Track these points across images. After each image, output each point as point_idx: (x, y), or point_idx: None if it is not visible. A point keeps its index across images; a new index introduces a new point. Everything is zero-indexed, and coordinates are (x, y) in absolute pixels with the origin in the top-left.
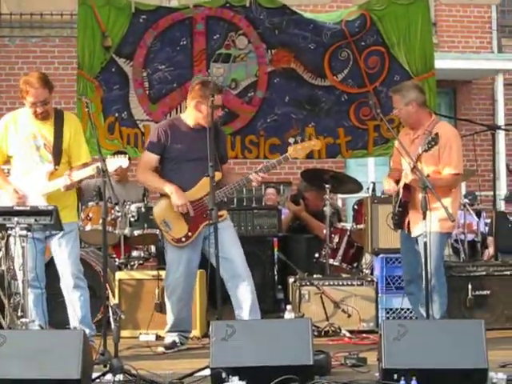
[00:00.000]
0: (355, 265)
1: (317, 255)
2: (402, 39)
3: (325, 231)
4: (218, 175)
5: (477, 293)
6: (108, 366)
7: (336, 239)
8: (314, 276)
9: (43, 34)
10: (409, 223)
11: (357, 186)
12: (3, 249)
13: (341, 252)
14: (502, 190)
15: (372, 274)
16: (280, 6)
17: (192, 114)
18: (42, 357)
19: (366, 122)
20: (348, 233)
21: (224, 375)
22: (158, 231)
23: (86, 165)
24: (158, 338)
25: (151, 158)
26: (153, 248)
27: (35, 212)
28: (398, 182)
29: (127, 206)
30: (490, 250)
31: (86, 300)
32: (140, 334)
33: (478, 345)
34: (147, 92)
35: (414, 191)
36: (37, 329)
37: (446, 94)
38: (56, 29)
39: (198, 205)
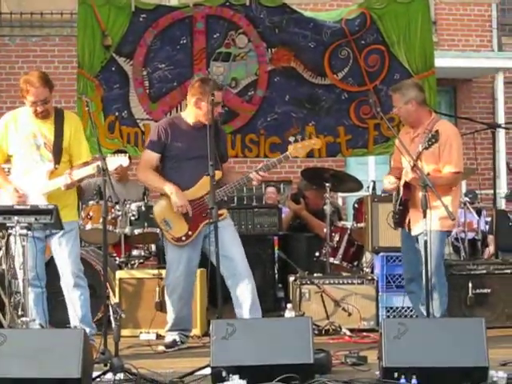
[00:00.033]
0: (356, 263)
1: (317, 254)
2: (402, 38)
3: (325, 230)
4: (218, 174)
5: (477, 291)
6: (108, 364)
7: (336, 238)
8: (315, 275)
9: (43, 33)
10: (409, 222)
11: (357, 185)
12: (3, 248)
13: (341, 251)
14: (503, 189)
15: (372, 272)
16: (280, 4)
17: (192, 112)
18: (43, 356)
19: (367, 120)
20: (348, 231)
21: (224, 374)
22: (158, 230)
23: (86, 163)
24: (159, 336)
25: (152, 157)
26: (153, 247)
27: (35, 211)
28: (398, 180)
29: (127, 205)
30: (491, 249)
31: (86, 299)
32: (140, 332)
33: (478, 343)
34: (147, 91)
35: (415, 190)
36: (37, 328)
37: (447, 92)
38: (56, 28)
39: (199, 204)
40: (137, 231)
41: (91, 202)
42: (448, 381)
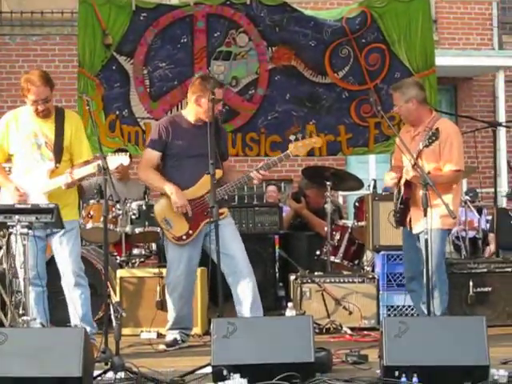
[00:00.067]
0: (356, 262)
1: (318, 252)
2: (402, 36)
3: (326, 228)
4: (218, 173)
5: (478, 290)
6: (109, 363)
7: (337, 236)
8: (315, 273)
9: (44, 32)
10: (410, 220)
11: (358, 184)
12: (4, 247)
13: (342, 249)
14: (503, 187)
15: (373, 271)
16: (280, 3)
17: (193, 110)
18: (44, 355)
19: (367, 119)
20: (349, 230)
21: (225, 373)
22: (158, 229)
23: (87, 162)
24: (160, 335)
25: (153, 156)
26: (154, 246)
27: (36, 210)
28: (399, 179)
29: (128, 204)
30: (492, 247)
31: (86, 298)
32: (141, 331)
33: (479, 342)
34: (148, 90)
35: (415, 188)
36: (38, 327)
37: (447, 91)
38: (57, 27)
39: (199, 203)
40: (137, 230)
41: (92, 201)
42: (449, 379)
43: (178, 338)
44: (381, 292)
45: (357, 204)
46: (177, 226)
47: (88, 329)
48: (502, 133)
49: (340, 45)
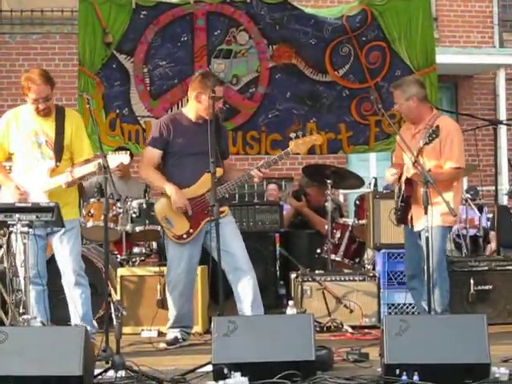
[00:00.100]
0: (357, 260)
1: (319, 251)
2: (403, 34)
3: (326, 227)
4: (219, 171)
5: (479, 288)
6: (110, 362)
7: (338, 235)
8: (316, 272)
9: (44, 31)
10: (411, 218)
11: (358, 182)
12: (5, 246)
13: (343, 247)
14: (504, 185)
15: (374, 269)
16: (281, 1)
17: (193, 107)
18: (44, 353)
19: (368, 117)
20: (350, 228)
21: (226, 371)
22: (159, 227)
23: (88, 161)
24: (160, 334)
25: (154, 154)
26: (154, 244)
27: (37, 209)
28: (400, 176)
29: (129, 203)
30: (492, 245)
31: (87, 297)
32: (142, 330)
33: (480, 340)
34: (148, 88)
35: (416, 186)
36: (38, 325)
37: (448, 88)
38: (57, 25)
39: (200, 201)
40: (138, 229)
41: (92, 200)
42: (450, 377)
43: (179, 336)
44: (381, 290)
45: (357, 202)
46: (177, 225)
47: (88, 328)
48: (502, 131)
49: (340, 43)
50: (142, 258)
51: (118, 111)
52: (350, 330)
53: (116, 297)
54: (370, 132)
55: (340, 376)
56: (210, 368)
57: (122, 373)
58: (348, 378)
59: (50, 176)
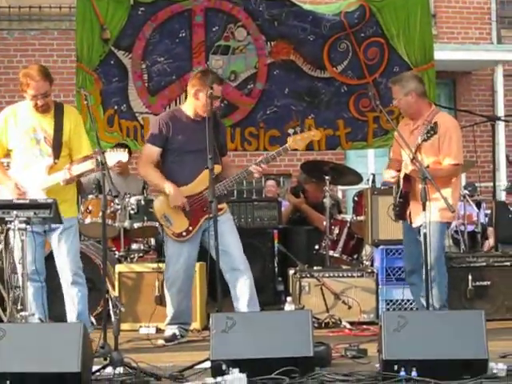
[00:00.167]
0: (355, 256)
1: (317, 247)
2: (401, 30)
3: (325, 223)
4: (217, 168)
5: (477, 284)
6: (108, 358)
7: (336, 231)
8: (314, 268)
9: (42, 27)
10: (410, 214)
11: (357, 178)
12: (3, 242)
13: (341, 244)
14: (502, 181)
15: (372, 265)
16: None
17: (191, 104)
18: (42, 350)
19: (366, 113)
20: (348, 224)
21: (224, 367)
22: (157, 224)
23: (87, 158)
24: (158, 330)
25: (152, 151)
26: (152, 241)
27: (34, 205)
28: (398, 172)
29: (127, 199)
30: (490, 241)
31: (83, 296)
32: (140, 326)
33: (478, 335)
34: (146, 84)
35: (415, 182)
36: (36, 322)
37: (446, 85)
38: (55, 22)
39: (198, 199)
40: (136, 225)
41: (90, 196)
42: (448, 373)
43: (177, 332)
44: (380, 286)
45: (356, 198)
46: (176, 223)
47: None
48: (500, 127)
49: (339, 39)
50: (140, 254)
51: (116, 107)
52: (348, 326)
53: (114, 293)
54: (368, 128)
55: (338, 372)
56: (208, 364)
57: (120, 369)
58: (346, 374)
59: (48, 173)
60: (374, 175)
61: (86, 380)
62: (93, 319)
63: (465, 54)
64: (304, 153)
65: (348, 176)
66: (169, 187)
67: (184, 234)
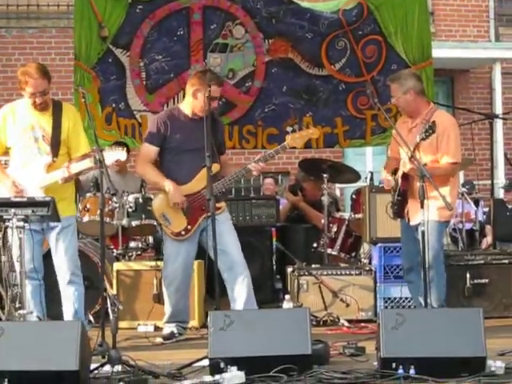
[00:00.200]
0: (353, 254)
1: (315, 245)
2: (399, 28)
3: (323, 221)
4: (216, 167)
5: (475, 281)
6: (106, 357)
7: (334, 229)
8: (313, 266)
9: (40, 25)
10: (408, 212)
11: (355, 176)
12: (0, 240)
13: (339, 241)
14: (500, 179)
15: (370, 263)
16: None
17: (189, 103)
18: (40, 348)
19: (364, 111)
20: (346, 222)
21: (222, 365)
22: (155, 222)
23: (85, 156)
24: (157, 328)
25: (150, 150)
26: (150, 239)
27: (32, 203)
28: (396, 170)
29: (125, 197)
30: (488, 239)
31: (80, 294)
32: (138, 324)
33: (476, 333)
34: (144, 82)
35: (413, 180)
36: (35, 320)
37: (444, 83)
38: (53, 20)
39: (197, 198)
40: (134, 223)
41: (88, 194)
42: (446, 371)
43: (175, 331)
44: (378, 284)
45: (354, 196)
46: (175, 222)
47: None
48: (498, 125)
49: (336, 37)
50: (139, 252)
51: (114, 105)
52: (346, 323)
53: (112, 291)
54: (366, 126)
55: (336, 370)
56: (206, 362)
57: (118, 367)
58: (344, 372)
59: (46, 172)
60: (372, 173)
61: (84, 378)
62: (91, 317)
63: (463, 52)
64: (302, 151)
65: (346, 174)
66: (168, 185)
67: (183, 233)
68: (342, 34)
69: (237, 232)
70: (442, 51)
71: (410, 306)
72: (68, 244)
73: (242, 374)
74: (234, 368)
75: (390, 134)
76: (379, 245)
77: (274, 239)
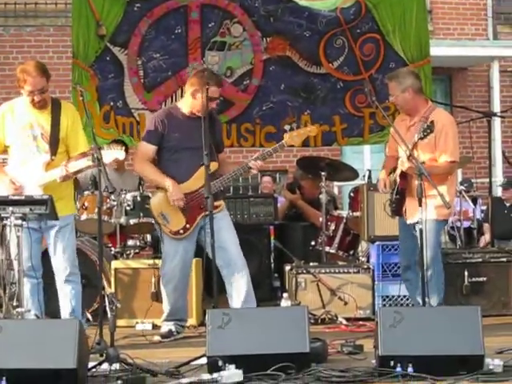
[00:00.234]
0: (351, 252)
1: (313, 243)
2: (397, 26)
3: (321, 219)
4: (214, 165)
5: (473, 280)
6: (104, 355)
7: (332, 227)
8: (311, 264)
9: (38, 24)
10: (406, 210)
11: (353, 174)
12: None
13: (337, 240)
14: (498, 177)
15: (368, 261)
16: None
17: (188, 102)
18: (38, 346)
19: (362, 109)
20: (344, 220)
21: (220, 363)
22: (153, 220)
23: (84, 154)
24: (155, 326)
25: (148, 149)
26: (148, 237)
27: (30, 201)
28: (394, 169)
29: (123, 195)
30: (486, 237)
31: (77, 293)
32: (136, 323)
33: (474, 331)
34: (142, 80)
35: (411, 179)
36: (32, 318)
37: (442, 81)
38: (50, 18)
39: (195, 196)
40: (132, 221)
41: (86, 193)
42: (444, 369)
43: (173, 329)
44: (376, 282)
45: (352, 194)
46: (174, 221)
47: None
48: (496, 123)
49: (334, 35)
50: (137, 250)
51: (112, 104)
52: (344, 322)
53: (110, 289)
54: (364, 124)
55: (334, 368)
56: (204, 360)
57: (116, 365)
58: (342, 370)
59: (45, 170)
60: (369, 171)
61: (82, 376)
62: (89, 315)
63: (461, 50)
64: (300, 149)
65: (344, 172)
66: (168, 183)
67: (181, 231)
68: (340, 33)
69: (235, 230)
70: (440, 49)
71: (408, 304)
72: (66, 242)
73: (239, 372)
74: (232, 366)
75: (388, 132)
76: (377, 243)
77: (272, 237)
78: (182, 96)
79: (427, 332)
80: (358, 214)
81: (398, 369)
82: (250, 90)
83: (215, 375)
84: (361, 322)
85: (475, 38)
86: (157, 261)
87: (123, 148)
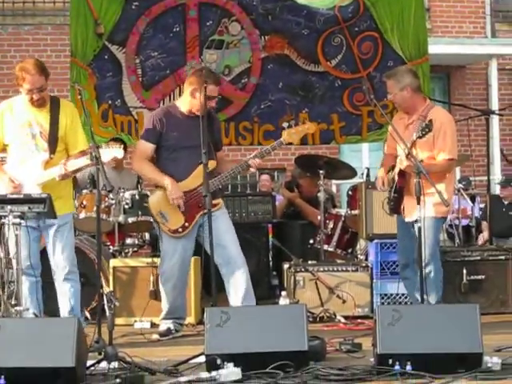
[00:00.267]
0: (350, 250)
1: (311, 241)
2: (395, 24)
3: (319, 217)
4: (212, 164)
5: (471, 277)
6: (102, 353)
7: (330, 225)
8: (309, 262)
9: (36, 22)
10: (404, 208)
11: (351, 172)
12: None
13: (335, 238)
14: (496, 175)
15: (367, 259)
16: None
17: (187, 101)
18: (36, 345)
19: (360, 107)
20: (342, 218)
21: (219, 362)
22: (151, 218)
23: (83, 152)
24: (153, 325)
25: (147, 148)
26: (147, 235)
27: (28, 200)
28: (393, 168)
29: (121, 194)
30: (485, 235)
31: (76, 291)
32: (135, 321)
33: (472, 329)
34: (140, 79)
35: (409, 177)
36: (31, 317)
37: (440, 79)
38: (49, 16)
39: (194, 195)
40: (131, 220)
41: (84, 191)
42: (442, 367)
43: (172, 327)
44: (374, 280)
45: (350, 192)
46: (172, 219)
47: None
48: (494, 121)
49: (333, 33)
50: (135, 249)
51: (110, 102)
52: (342, 320)
53: (108, 288)
54: (362, 122)
55: (333, 366)
56: (202, 359)
57: (114, 364)
58: (341, 369)
59: (44, 168)
60: (368, 169)
61: (81, 375)
62: (87, 314)
63: (459, 48)
64: (298, 147)
65: (342, 170)
66: (167, 181)
67: (180, 230)
68: (338, 31)
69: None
70: (438, 47)
71: (406, 303)
72: (65, 241)
73: (238, 370)
74: (231, 364)
75: (387, 130)
76: (375, 241)
77: (271, 235)
78: (180, 94)
79: (426, 330)
80: (356, 212)
81: (397, 367)
82: (248, 89)
83: (214, 373)
84: (359, 320)
85: (473, 35)
86: (155, 259)
87: (122, 146)
